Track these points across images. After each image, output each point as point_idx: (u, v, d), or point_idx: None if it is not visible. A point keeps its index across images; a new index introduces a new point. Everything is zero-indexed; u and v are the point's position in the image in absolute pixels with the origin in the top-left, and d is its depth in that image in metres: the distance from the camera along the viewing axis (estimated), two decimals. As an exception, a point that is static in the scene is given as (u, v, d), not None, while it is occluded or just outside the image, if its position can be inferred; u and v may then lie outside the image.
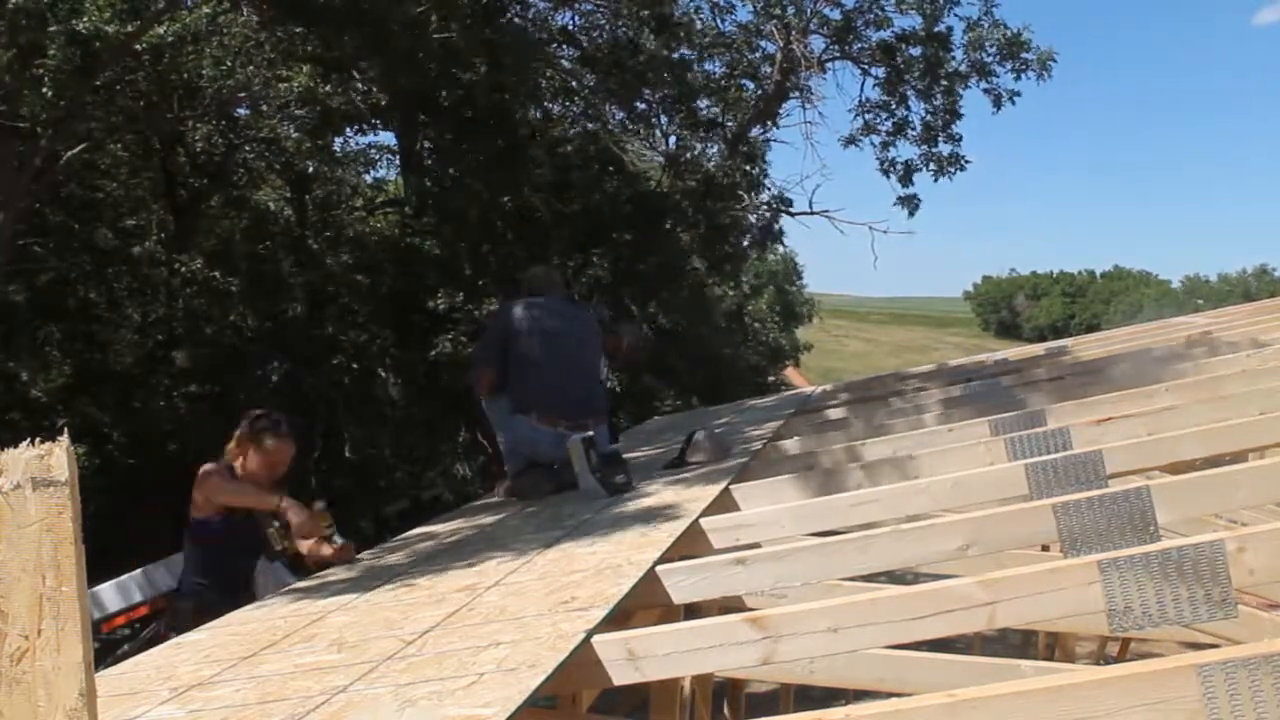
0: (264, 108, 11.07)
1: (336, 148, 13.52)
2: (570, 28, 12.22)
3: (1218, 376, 4.32)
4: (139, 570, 5.95)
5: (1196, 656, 1.52)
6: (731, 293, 18.32)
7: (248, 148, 12.44)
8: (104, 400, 11.78)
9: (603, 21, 12.20)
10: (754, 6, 12.44)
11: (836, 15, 12.27)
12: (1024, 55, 11.88)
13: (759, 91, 12.76)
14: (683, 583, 2.64)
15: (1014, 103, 12.15)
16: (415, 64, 8.83)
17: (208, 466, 4.09)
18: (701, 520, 3.24)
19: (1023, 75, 11.98)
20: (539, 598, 2.56)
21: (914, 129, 12.51)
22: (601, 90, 12.26)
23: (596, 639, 2.10)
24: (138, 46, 8.06)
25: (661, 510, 3.56)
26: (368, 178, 15.33)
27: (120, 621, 3.91)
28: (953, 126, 12.44)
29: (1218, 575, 1.93)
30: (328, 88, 9.51)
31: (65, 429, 1.56)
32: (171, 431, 11.71)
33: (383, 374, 12.96)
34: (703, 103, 12.86)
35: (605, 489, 4.17)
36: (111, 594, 5.76)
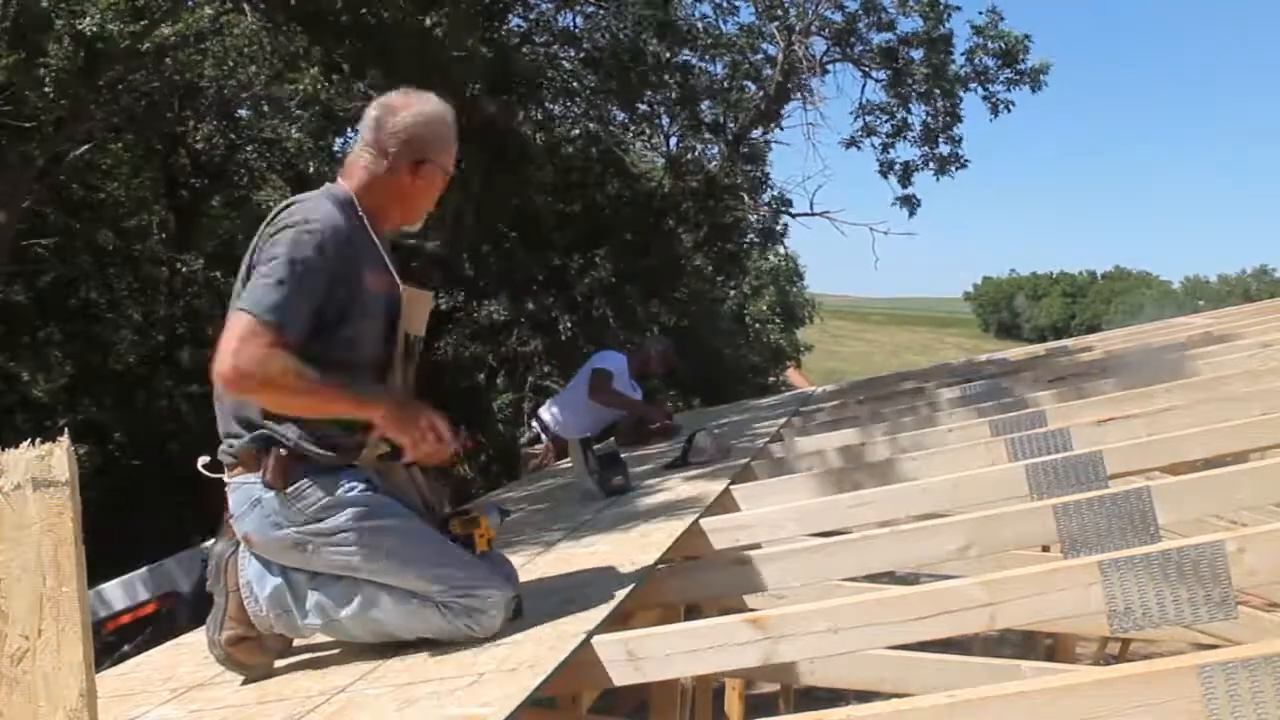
0: (265, 108, 11.08)
1: (338, 149, 13.53)
2: (572, 29, 12.22)
3: (1218, 377, 4.32)
4: (144, 569, 5.94)
5: (1197, 657, 1.52)
6: (733, 293, 18.32)
7: (249, 148, 12.45)
8: (105, 400, 11.79)
9: (604, 23, 12.21)
10: (755, 8, 12.44)
11: (838, 17, 12.27)
12: (1019, 66, 11.89)
13: (761, 93, 12.76)
14: (683, 583, 2.64)
15: (1009, 110, 12.19)
16: (418, 70, 8.83)
17: None
18: (702, 520, 3.24)
19: (1015, 87, 12.01)
20: (540, 598, 2.56)
21: (914, 131, 12.52)
22: (603, 91, 12.26)
23: (596, 639, 2.10)
24: (140, 47, 8.06)
25: (662, 511, 3.56)
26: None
27: (126, 620, 3.87)
28: (953, 129, 12.45)
29: (1218, 576, 1.93)
30: (330, 90, 9.53)
31: (66, 429, 1.56)
32: (173, 432, 11.73)
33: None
34: (705, 104, 12.86)
35: (603, 490, 4.16)
36: (117, 593, 5.76)
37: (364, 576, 2.22)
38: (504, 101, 9.99)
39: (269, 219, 2.28)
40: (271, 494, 2.20)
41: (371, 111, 2.40)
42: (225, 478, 2.32)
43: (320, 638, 2.54)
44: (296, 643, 2.51)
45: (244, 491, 2.25)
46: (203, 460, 2.48)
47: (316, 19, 7.84)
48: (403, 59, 8.13)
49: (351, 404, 2.23)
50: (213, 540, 2.49)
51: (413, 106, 2.39)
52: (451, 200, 11.08)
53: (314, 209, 2.25)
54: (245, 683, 2.25)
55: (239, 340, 2.10)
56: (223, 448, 2.31)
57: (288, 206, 2.29)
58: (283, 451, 2.20)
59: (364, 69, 8.85)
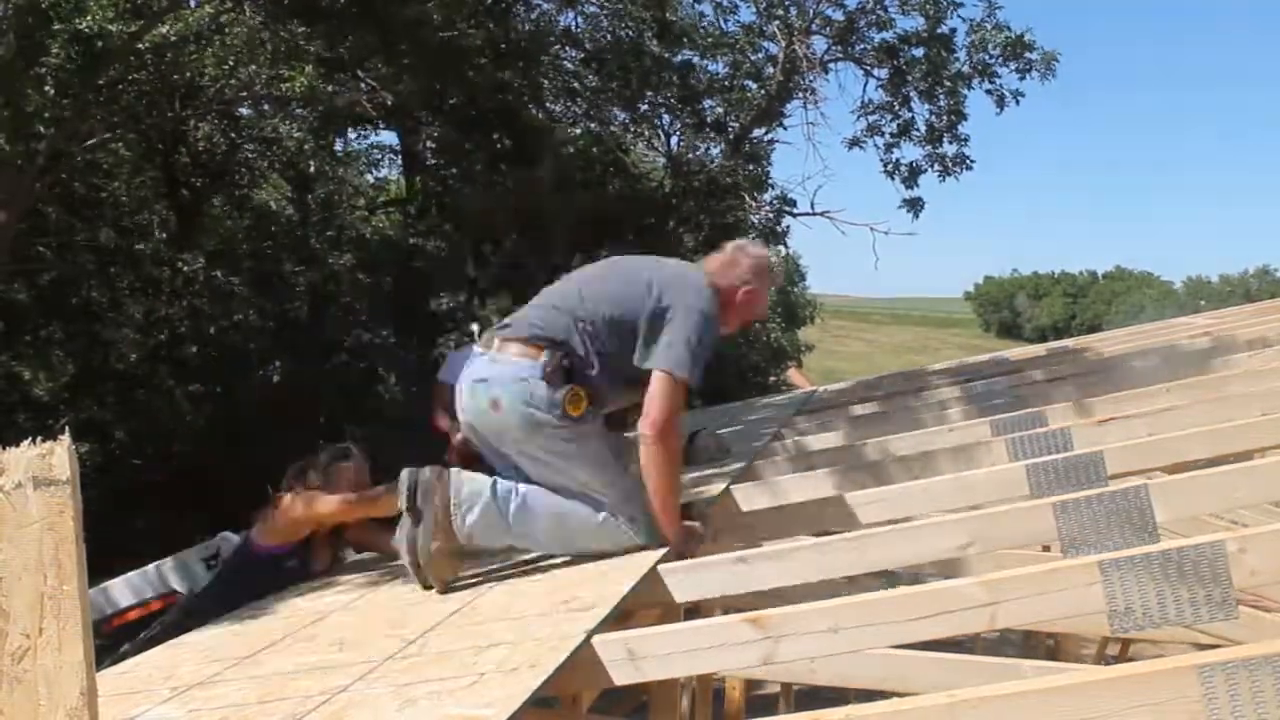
0: (266, 107, 11.09)
1: (338, 148, 13.55)
2: (573, 29, 12.24)
3: (1219, 377, 4.31)
4: (151, 566, 5.93)
5: (1197, 657, 1.52)
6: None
7: (250, 147, 12.46)
8: (107, 399, 11.80)
9: (606, 23, 12.22)
10: (757, 7, 12.44)
11: (839, 16, 12.27)
12: (1028, 56, 11.83)
13: (762, 92, 12.75)
14: (683, 582, 2.64)
15: (1018, 103, 12.12)
16: (419, 63, 8.85)
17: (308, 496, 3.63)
18: (702, 520, 3.24)
19: (1026, 76, 11.94)
20: (540, 598, 2.56)
21: (918, 130, 12.50)
22: (604, 91, 12.27)
23: (597, 639, 2.10)
24: (140, 45, 8.07)
25: (662, 510, 3.54)
26: (370, 177, 15.37)
27: (132, 616, 3.88)
28: (958, 127, 12.43)
29: (1218, 576, 1.92)
30: (330, 88, 9.53)
31: (67, 428, 1.56)
32: (174, 430, 11.74)
33: (383, 373, 12.98)
34: (706, 103, 12.87)
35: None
36: (123, 590, 5.74)
37: (564, 467, 2.83)
38: (507, 82, 9.98)
39: (669, 281, 2.97)
40: (541, 382, 2.79)
41: (731, 243, 3.26)
42: (493, 351, 2.88)
43: (320, 638, 2.55)
44: (296, 644, 2.52)
45: (514, 367, 2.83)
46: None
47: (315, 11, 7.86)
48: (401, 46, 8.14)
49: (672, 508, 2.86)
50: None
51: (760, 251, 3.27)
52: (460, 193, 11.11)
53: (713, 302, 2.99)
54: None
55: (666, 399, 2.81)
56: (515, 327, 2.89)
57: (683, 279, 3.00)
58: (567, 362, 2.81)
59: (364, 59, 8.87)
